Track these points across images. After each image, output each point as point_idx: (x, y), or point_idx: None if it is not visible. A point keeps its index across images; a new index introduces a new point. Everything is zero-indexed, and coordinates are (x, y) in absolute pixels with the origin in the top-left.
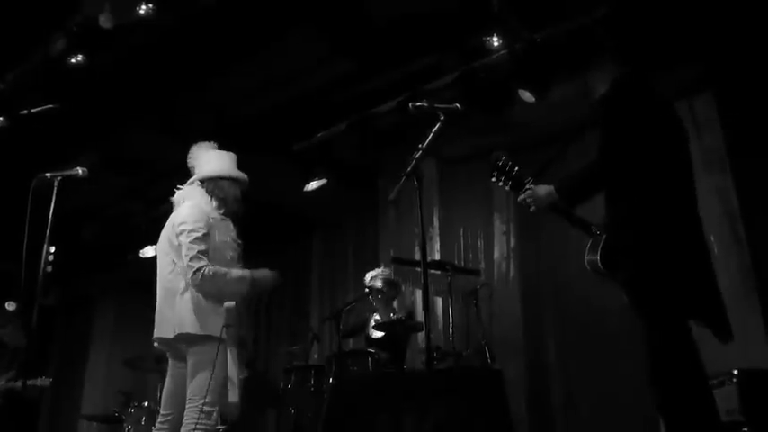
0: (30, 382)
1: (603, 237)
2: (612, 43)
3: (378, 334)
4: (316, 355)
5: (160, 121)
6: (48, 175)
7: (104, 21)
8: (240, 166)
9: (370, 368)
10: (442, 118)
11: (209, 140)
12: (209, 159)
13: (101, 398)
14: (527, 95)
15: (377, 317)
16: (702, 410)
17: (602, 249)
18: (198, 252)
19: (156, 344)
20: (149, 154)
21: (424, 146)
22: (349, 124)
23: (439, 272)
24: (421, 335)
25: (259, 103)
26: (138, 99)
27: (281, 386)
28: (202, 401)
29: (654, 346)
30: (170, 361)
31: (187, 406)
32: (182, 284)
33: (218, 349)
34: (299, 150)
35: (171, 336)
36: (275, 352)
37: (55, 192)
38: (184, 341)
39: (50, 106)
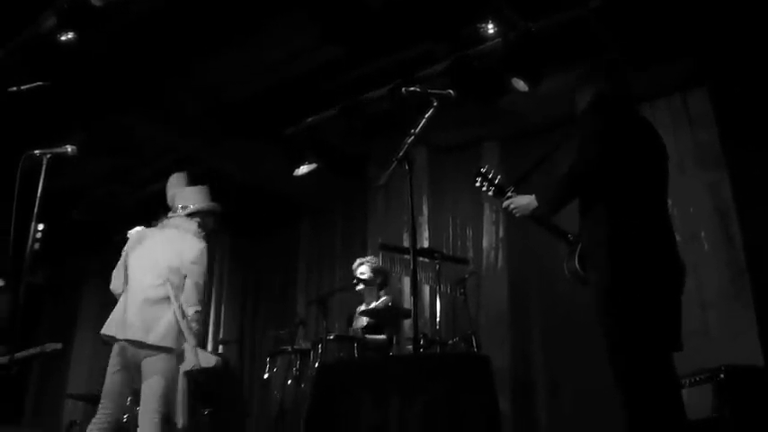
0: (43, 348)
1: (579, 245)
2: (605, 36)
3: (364, 321)
4: (301, 341)
5: (149, 103)
6: (37, 152)
7: None
8: (229, 150)
9: (356, 354)
10: (434, 104)
11: (199, 126)
12: (196, 193)
13: (87, 377)
14: (521, 84)
15: (362, 307)
16: (667, 412)
17: (579, 258)
18: (202, 298)
19: (114, 342)
20: (138, 135)
21: (417, 131)
22: (340, 109)
23: (427, 260)
24: (408, 322)
25: (249, 88)
26: (127, 80)
27: (267, 369)
28: (161, 406)
29: (618, 366)
30: (116, 358)
31: (145, 407)
32: (161, 294)
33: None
34: (289, 135)
35: (147, 341)
36: (261, 335)
37: (44, 169)
38: (156, 350)
39: (40, 83)
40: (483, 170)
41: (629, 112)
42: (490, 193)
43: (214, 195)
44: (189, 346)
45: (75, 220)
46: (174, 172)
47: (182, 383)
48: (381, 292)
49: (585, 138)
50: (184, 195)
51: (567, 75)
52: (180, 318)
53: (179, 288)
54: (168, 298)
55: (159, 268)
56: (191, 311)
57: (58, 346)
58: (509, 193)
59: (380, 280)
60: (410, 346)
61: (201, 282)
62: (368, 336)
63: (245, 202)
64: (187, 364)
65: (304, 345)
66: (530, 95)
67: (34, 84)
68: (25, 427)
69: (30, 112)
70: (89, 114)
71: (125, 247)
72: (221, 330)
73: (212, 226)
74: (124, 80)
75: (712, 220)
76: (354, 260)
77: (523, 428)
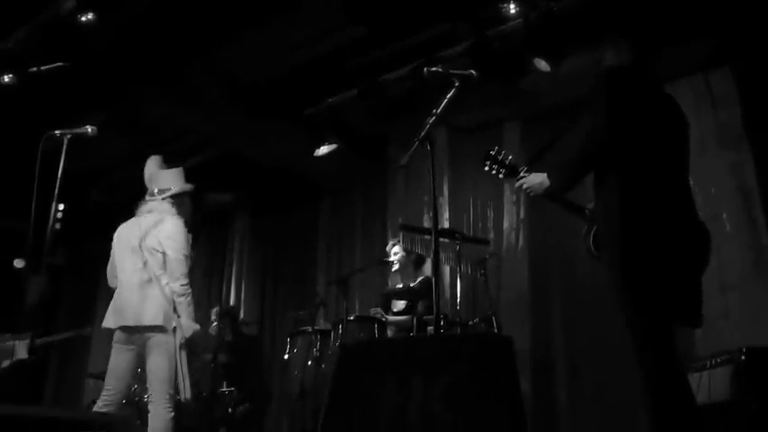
0: (79, 331)
1: (594, 224)
2: (627, 15)
3: (400, 304)
4: (322, 321)
5: (169, 84)
6: (57, 132)
7: None
8: (249, 129)
9: (377, 334)
10: (456, 84)
11: (221, 106)
12: (171, 176)
13: (107, 357)
14: (543, 65)
15: (399, 286)
16: (677, 401)
17: (594, 236)
18: (187, 271)
19: (115, 328)
20: (157, 116)
21: (438, 111)
22: (360, 90)
23: (448, 240)
24: None
25: (271, 68)
26: (148, 61)
27: (287, 350)
28: (168, 387)
29: (636, 339)
30: (117, 342)
31: (153, 391)
32: (145, 277)
33: (176, 345)
34: (309, 115)
35: (141, 323)
36: (282, 317)
37: (64, 150)
38: (151, 331)
39: (59, 64)
40: (492, 152)
41: (647, 85)
42: (501, 176)
43: (233, 176)
44: (183, 318)
45: (94, 201)
46: (195, 152)
47: (180, 358)
48: (418, 271)
49: (598, 111)
50: (159, 178)
51: (588, 54)
52: (168, 294)
53: (162, 268)
54: (152, 279)
55: (139, 251)
56: (177, 286)
57: (91, 329)
58: (522, 173)
59: (414, 258)
60: (431, 327)
61: (182, 256)
62: (389, 317)
63: (265, 183)
64: (180, 337)
65: (324, 325)
66: (551, 76)
67: (54, 64)
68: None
69: (50, 92)
70: (109, 95)
71: (112, 245)
72: (242, 311)
73: (189, 207)
74: (145, 61)
75: (734, 202)
76: (375, 240)
77: (544, 409)
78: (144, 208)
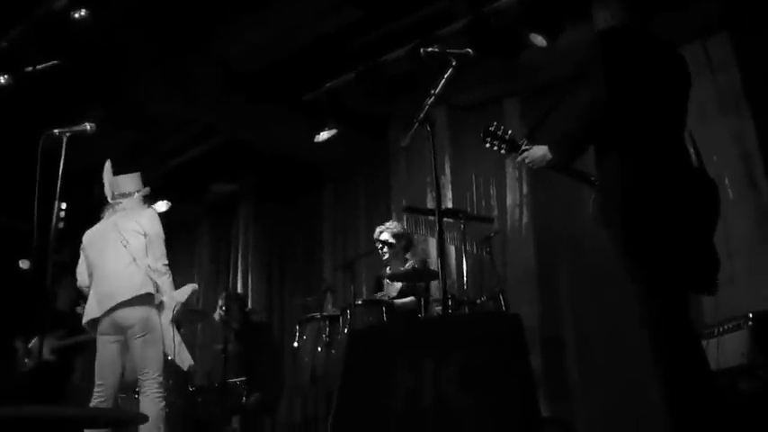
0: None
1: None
2: None
3: (397, 286)
4: (330, 306)
5: (167, 75)
6: (56, 131)
7: None
8: (249, 117)
9: (385, 318)
10: (453, 63)
11: (220, 96)
12: (131, 180)
13: None
14: (539, 39)
15: (388, 271)
16: (690, 366)
17: (594, 204)
18: (165, 252)
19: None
20: (157, 109)
21: (436, 91)
22: (358, 73)
23: (452, 220)
24: (435, 283)
25: (268, 55)
26: (144, 55)
27: (296, 338)
28: (158, 374)
29: (642, 302)
30: (103, 333)
31: (145, 378)
32: (126, 260)
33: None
34: (308, 100)
35: (126, 298)
36: (289, 304)
37: (64, 148)
38: (137, 304)
39: (55, 62)
40: (491, 128)
41: (643, 42)
42: (503, 151)
43: (235, 165)
44: (166, 294)
45: (97, 197)
46: (197, 143)
47: (169, 331)
48: (407, 256)
49: (597, 74)
50: (121, 182)
51: (585, 27)
52: (151, 274)
53: (142, 249)
54: (134, 260)
55: (119, 237)
56: (159, 265)
57: None
58: (523, 147)
59: (403, 244)
60: (438, 308)
61: (160, 239)
62: (396, 300)
63: (267, 171)
64: (167, 310)
65: (333, 311)
66: (548, 50)
67: (49, 63)
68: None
69: (48, 90)
70: (107, 90)
71: (81, 247)
72: (249, 300)
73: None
74: (141, 55)
75: (737, 167)
76: (378, 223)
77: (555, 385)
78: (115, 209)
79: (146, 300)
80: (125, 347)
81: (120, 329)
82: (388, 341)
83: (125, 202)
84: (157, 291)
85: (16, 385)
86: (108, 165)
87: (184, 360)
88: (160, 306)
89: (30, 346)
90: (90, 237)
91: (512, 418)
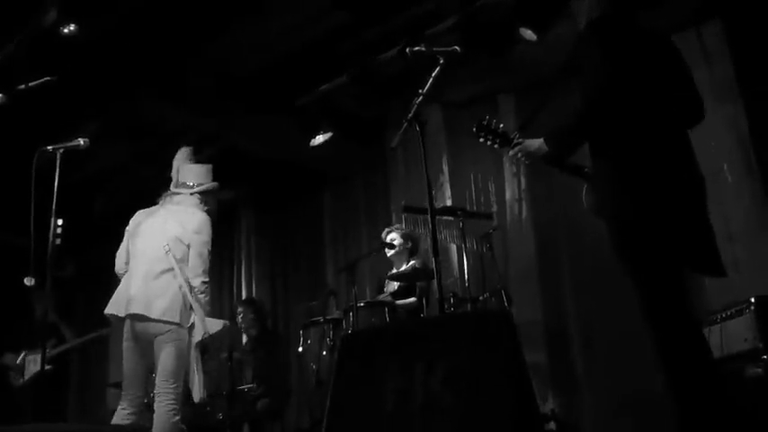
0: (100, 332)
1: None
2: None
3: (395, 285)
4: (334, 309)
5: (160, 84)
6: (50, 148)
7: None
8: (246, 125)
9: (388, 320)
10: (441, 61)
11: (214, 103)
12: (201, 172)
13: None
14: (528, 33)
15: (393, 272)
16: (693, 353)
17: (587, 194)
18: (208, 269)
19: (119, 320)
20: (153, 119)
21: (425, 90)
22: (351, 75)
23: (451, 218)
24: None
25: (261, 60)
26: (136, 66)
27: (301, 342)
28: (175, 385)
29: (641, 292)
30: (127, 336)
31: (158, 388)
32: (164, 266)
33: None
34: (303, 105)
35: (150, 316)
36: (293, 310)
37: (58, 164)
38: (163, 324)
39: (48, 78)
40: (484, 122)
41: (634, 30)
42: (496, 146)
43: (234, 173)
44: (197, 317)
45: (98, 211)
46: (194, 152)
47: (194, 356)
48: (412, 258)
49: (593, 60)
50: (186, 171)
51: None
52: (187, 291)
53: (183, 260)
54: (172, 269)
55: (161, 240)
56: (197, 282)
57: (108, 330)
58: (516, 140)
59: (410, 246)
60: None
61: (206, 252)
62: (398, 300)
63: (266, 177)
64: (197, 335)
65: (337, 314)
66: (539, 44)
67: (42, 79)
68: (72, 421)
69: (41, 107)
70: (101, 103)
71: (126, 229)
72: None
73: (214, 206)
74: (133, 66)
75: (734, 154)
76: (379, 225)
77: (561, 379)
78: (170, 199)
79: (169, 324)
80: (150, 355)
81: (141, 337)
82: (378, 344)
83: (181, 196)
84: (189, 308)
85: (15, 402)
86: (185, 149)
87: (197, 391)
88: (191, 328)
89: (18, 362)
90: (136, 221)
91: (503, 418)
